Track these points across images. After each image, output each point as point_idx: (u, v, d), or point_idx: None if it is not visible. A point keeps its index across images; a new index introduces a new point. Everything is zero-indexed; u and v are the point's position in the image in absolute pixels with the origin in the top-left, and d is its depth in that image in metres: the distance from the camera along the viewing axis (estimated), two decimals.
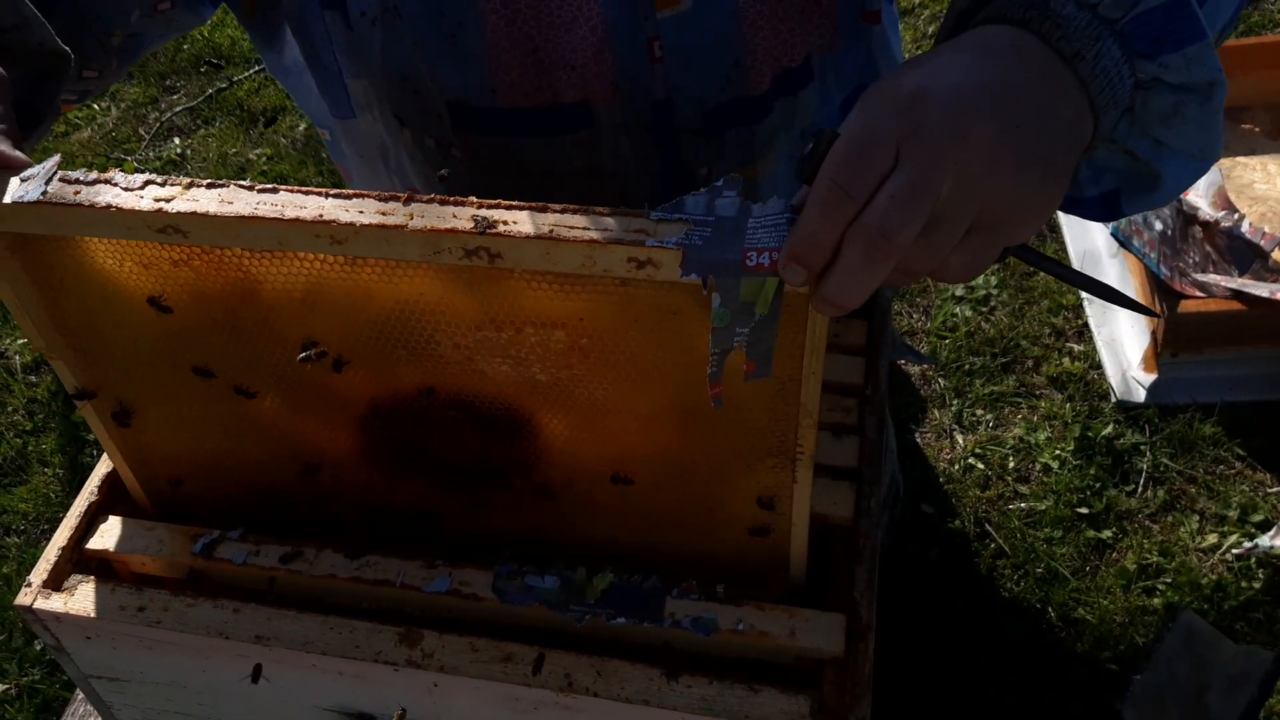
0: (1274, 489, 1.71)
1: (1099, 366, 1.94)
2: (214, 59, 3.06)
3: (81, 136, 2.81)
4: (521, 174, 1.02)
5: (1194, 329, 1.83)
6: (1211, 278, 1.88)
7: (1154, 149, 0.64)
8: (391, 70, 0.98)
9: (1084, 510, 1.71)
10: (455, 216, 0.66)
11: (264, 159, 2.79)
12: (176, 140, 2.87)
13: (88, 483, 0.91)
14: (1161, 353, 1.86)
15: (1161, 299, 1.84)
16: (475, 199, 0.67)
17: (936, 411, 1.91)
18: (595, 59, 0.93)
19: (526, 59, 0.93)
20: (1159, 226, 1.95)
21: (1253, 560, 1.60)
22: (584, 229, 0.66)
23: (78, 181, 0.69)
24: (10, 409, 2.17)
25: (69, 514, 0.89)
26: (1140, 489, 1.73)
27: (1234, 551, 1.62)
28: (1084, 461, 1.77)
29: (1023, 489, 1.77)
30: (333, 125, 1.09)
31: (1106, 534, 1.67)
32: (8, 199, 0.69)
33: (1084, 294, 2.09)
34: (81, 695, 1.15)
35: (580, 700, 0.78)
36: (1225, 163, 2.29)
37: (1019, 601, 1.61)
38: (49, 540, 1.93)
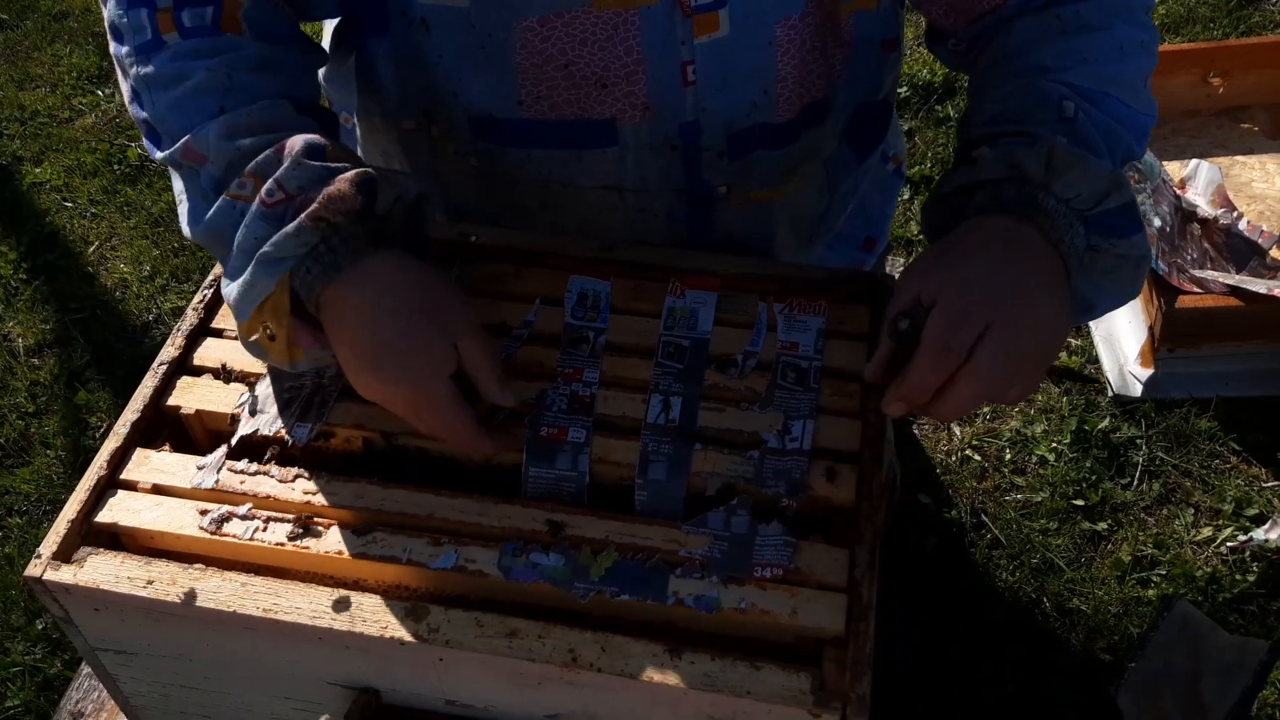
0: (1269, 483, 1.72)
1: (1096, 361, 1.95)
2: None
3: (85, 123, 2.81)
4: (540, 185, 1.03)
5: (1191, 324, 1.85)
6: (1209, 274, 1.90)
7: (1094, 290, 0.87)
8: (416, 84, 0.98)
9: (1079, 502, 1.72)
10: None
11: None
12: None
13: (97, 457, 0.92)
14: (1158, 348, 1.87)
15: (1159, 294, 1.86)
16: None
17: None
18: (628, 79, 0.94)
19: (557, 74, 0.94)
20: (1158, 223, 1.97)
21: (1247, 553, 1.62)
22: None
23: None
24: (13, 390, 2.17)
25: (78, 488, 0.90)
26: (1136, 482, 1.75)
27: (1228, 544, 1.64)
28: (1080, 454, 1.79)
29: (1019, 480, 1.79)
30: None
31: (1102, 526, 1.69)
32: (192, 483, 0.88)
33: None
34: (86, 671, 1.16)
35: (584, 675, 0.79)
36: (1224, 161, 2.30)
37: (1015, 591, 1.62)
38: (51, 522, 1.94)
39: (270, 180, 0.82)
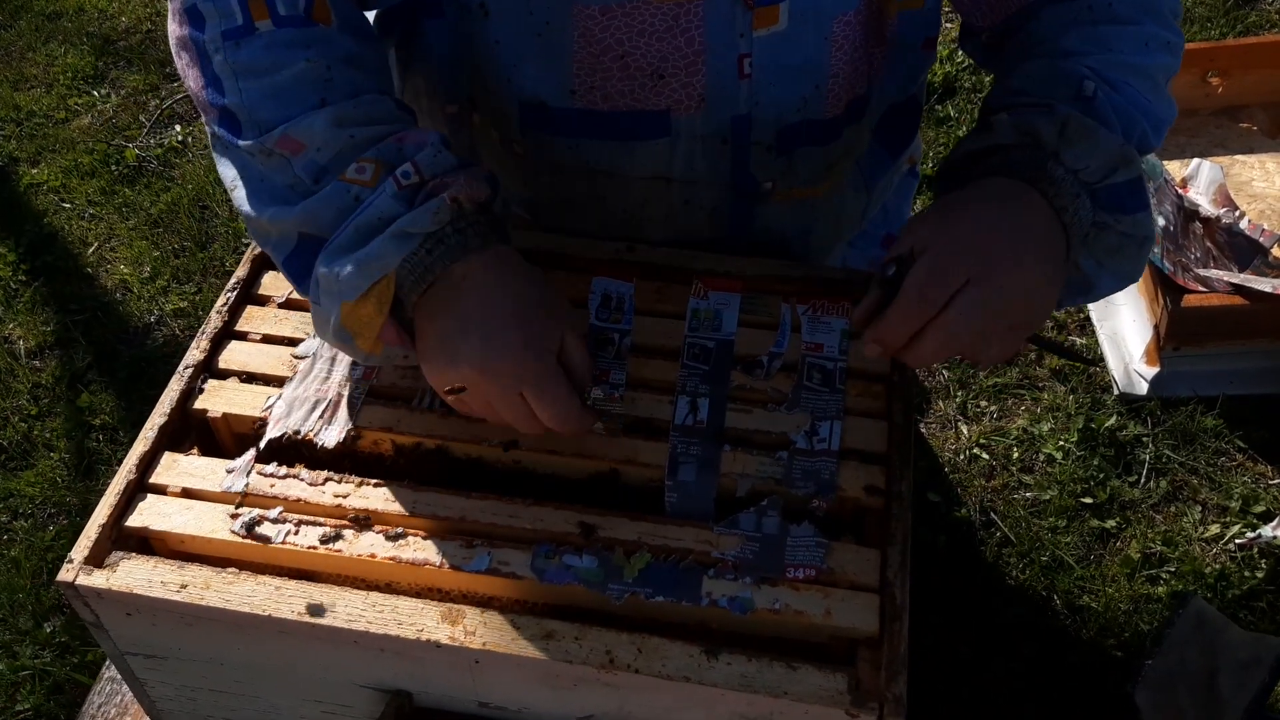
0: (1275, 480, 1.74)
1: (1101, 359, 1.96)
2: None
3: (82, 123, 2.80)
4: (587, 174, 1.03)
5: (1196, 323, 1.86)
6: (1213, 273, 1.91)
7: (1096, 269, 0.89)
8: (469, 61, 0.98)
9: (1088, 500, 1.73)
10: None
11: None
12: (178, 128, 2.86)
13: (125, 461, 0.92)
14: (1164, 346, 1.88)
15: (1165, 293, 1.87)
16: None
17: (941, 402, 1.93)
18: (687, 69, 0.94)
19: (613, 64, 0.94)
20: (1162, 223, 1.98)
21: (1255, 550, 1.63)
22: None
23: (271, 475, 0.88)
24: (15, 393, 2.16)
25: (108, 491, 0.90)
26: (1143, 480, 1.76)
27: (1236, 542, 1.65)
28: (1087, 452, 1.80)
29: (1027, 479, 1.79)
30: None
31: (1110, 523, 1.70)
32: (222, 487, 0.89)
33: None
34: (108, 676, 1.16)
35: (620, 676, 0.80)
36: (1224, 160, 2.31)
37: (1025, 588, 1.63)
38: (57, 524, 1.94)
39: (407, 163, 0.84)
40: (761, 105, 0.98)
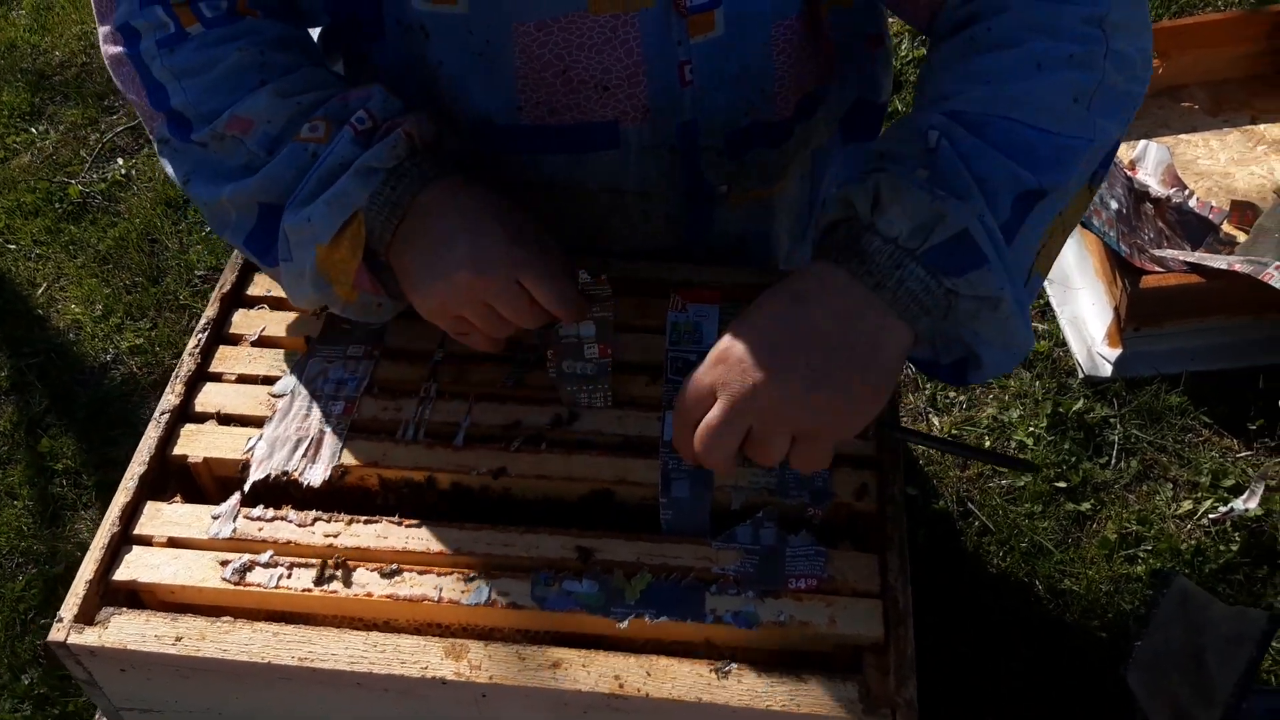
0: (1242, 454, 1.77)
1: (1064, 344, 1.99)
2: None
3: (22, 162, 2.74)
4: (544, 188, 1.03)
5: (1155, 303, 1.89)
6: (1168, 253, 1.94)
7: (971, 338, 0.79)
8: (417, 83, 0.97)
9: (1061, 484, 1.75)
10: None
11: None
12: (120, 161, 2.81)
13: (108, 513, 0.90)
14: (1124, 328, 1.91)
15: (1123, 275, 1.90)
16: None
17: (910, 396, 1.95)
18: (629, 80, 0.94)
19: (556, 79, 0.94)
20: (1114, 205, 2.01)
21: (1228, 524, 1.66)
22: None
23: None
24: None
25: (92, 546, 0.88)
26: (1114, 460, 1.78)
27: (1210, 516, 1.68)
28: (1057, 437, 1.82)
29: (1000, 467, 1.81)
30: None
31: (1085, 506, 1.72)
32: (209, 534, 0.88)
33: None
34: None
35: (631, 701, 0.79)
36: (1168, 140, 2.36)
37: (1006, 576, 1.65)
38: (24, 574, 1.89)
39: (360, 110, 0.88)
40: (707, 111, 0.98)
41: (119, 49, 0.93)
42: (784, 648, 0.84)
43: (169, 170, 0.95)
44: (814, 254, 0.81)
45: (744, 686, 0.79)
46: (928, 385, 1.95)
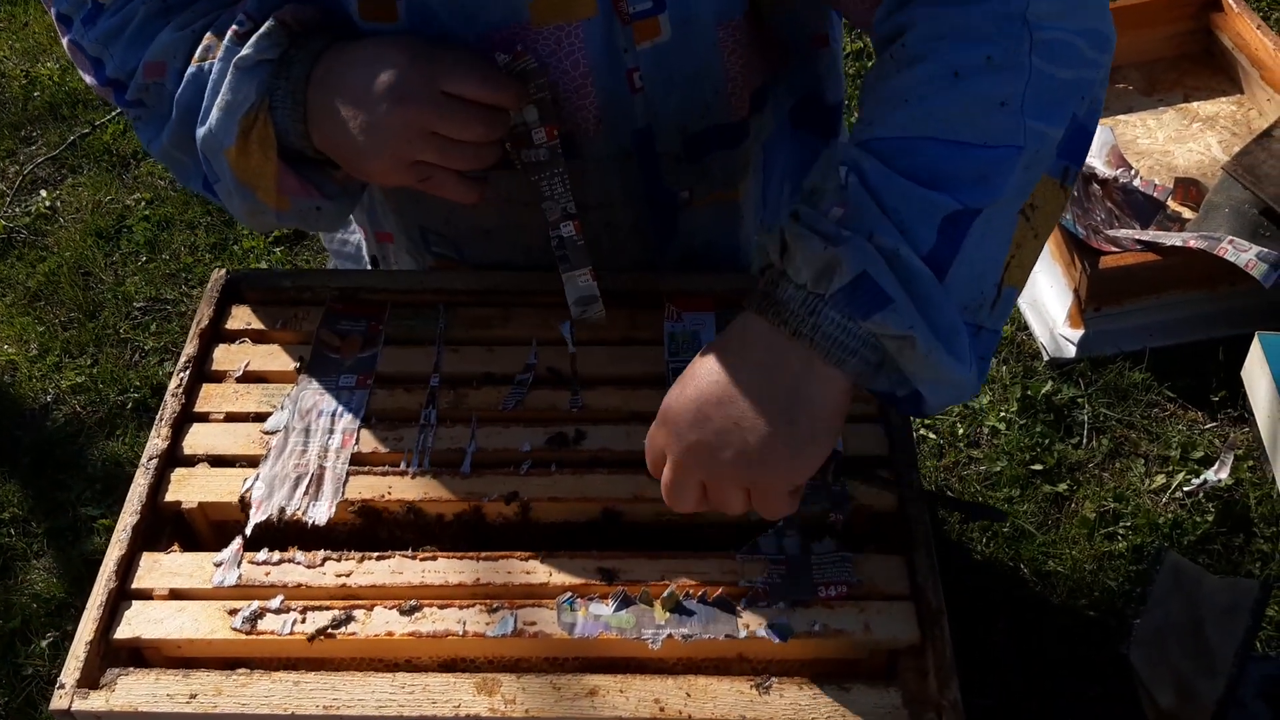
0: (1208, 425, 1.81)
1: (1026, 328, 2.01)
2: (69, 103, 2.90)
3: None
4: (502, 204, 1.00)
5: (1114, 283, 1.92)
6: (1122, 232, 1.98)
7: (910, 375, 0.74)
8: None
9: (1037, 467, 1.77)
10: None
11: (143, 204, 2.66)
12: (43, 193, 2.72)
13: (102, 568, 0.85)
14: (1085, 308, 1.94)
15: (1081, 257, 1.92)
16: None
17: None
18: (578, 92, 0.92)
19: None
20: None
21: (1201, 495, 1.69)
22: None
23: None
24: None
25: (89, 605, 0.83)
26: (1085, 440, 1.81)
27: (1184, 489, 1.71)
28: (1029, 420, 1.84)
29: (975, 453, 1.83)
30: None
31: (1062, 487, 1.74)
32: (213, 583, 0.84)
33: None
34: None
35: None
36: (1108, 122, 2.40)
37: (992, 562, 1.66)
38: None
39: (239, 14, 0.88)
40: (660, 116, 0.97)
41: (64, 37, 0.96)
42: (819, 657, 0.83)
43: (147, 148, 0.97)
44: (745, 303, 0.78)
45: (786, 701, 0.77)
46: None
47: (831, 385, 0.74)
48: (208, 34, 0.90)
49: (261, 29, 0.86)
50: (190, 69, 0.89)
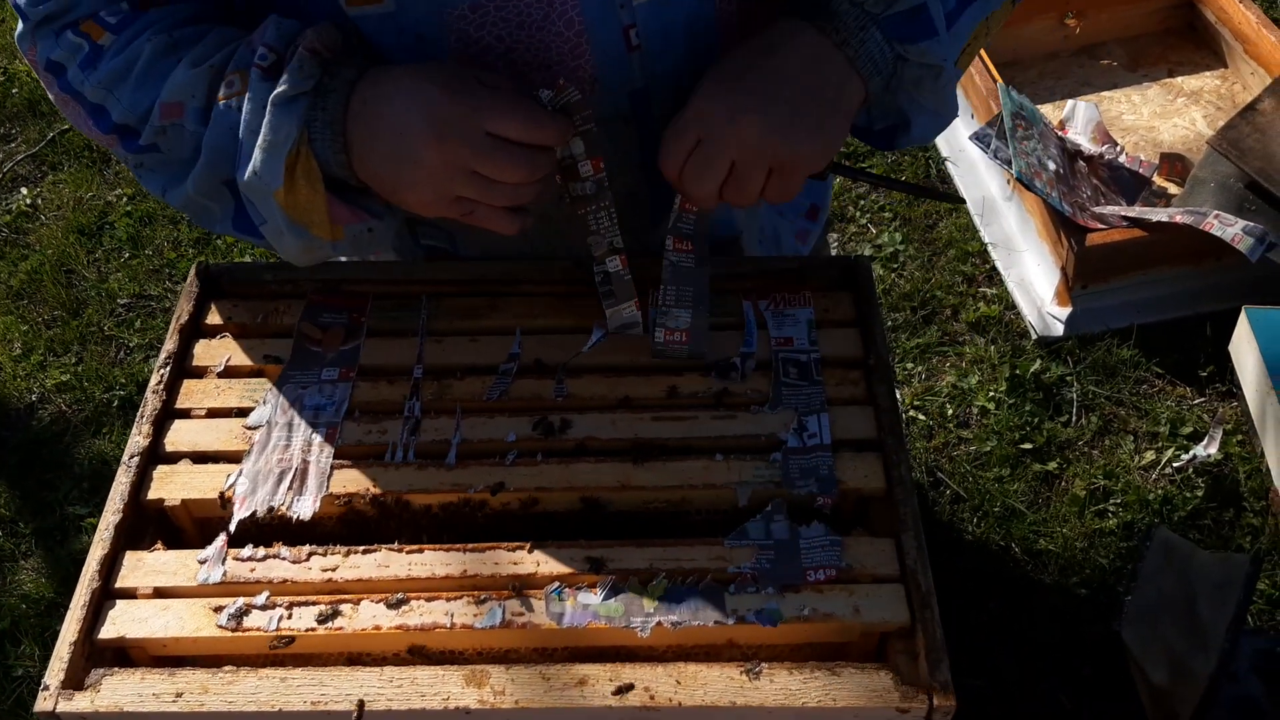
0: (1196, 401, 1.80)
1: (1014, 307, 2.01)
2: (48, 100, 2.87)
3: None
4: None
5: (1101, 260, 1.92)
6: (1108, 209, 1.97)
7: (909, 104, 0.89)
8: None
9: (1027, 446, 1.77)
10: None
11: (124, 200, 2.64)
12: (24, 190, 2.70)
13: (85, 568, 0.84)
14: (1072, 286, 1.94)
15: (1067, 235, 1.92)
16: None
17: None
18: (573, 54, 0.91)
19: (497, 63, 0.90)
20: (1052, 167, 2.03)
21: (1191, 470, 1.69)
22: None
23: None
24: None
25: (72, 605, 0.82)
26: (1074, 418, 1.81)
27: (1174, 465, 1.71)
28: (1018, 399, 1.84)
29: (965, 434, 1.82)
30: None
31: (1052, 465, 1.74)
32: (198, 580, 0.83)
33: (988, 240, 2.16)
34: None
35: (663, 712, 0.77)
36: (1092, 98, 2.39)
37: (983, 542, 1.66)
38: None
39: (260, 48, 0.85)
40: (658, 76, 0.95)
41: (55, 89, 0.91)
42: (809, 641, 0.83)
43: (153, 190, 0.92)
44: (781, 15, 0.88)
45: (777, 686, 0.77)
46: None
47: (856, 95, 0.86)
48: (230, 69, 0.86)
49: (292, 61, 0.83)
50: (218, 106, 0.86)
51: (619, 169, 1.01)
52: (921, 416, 1.86)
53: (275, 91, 0.83)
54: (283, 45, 0.85)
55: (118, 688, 0.78)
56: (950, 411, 1.86)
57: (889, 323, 2.01)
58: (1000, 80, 2.12)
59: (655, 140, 0.99)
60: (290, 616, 0.82)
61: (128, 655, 0.83)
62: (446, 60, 0.87)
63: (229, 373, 0.98)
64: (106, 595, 0.84)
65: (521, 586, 0.83)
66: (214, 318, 1.02)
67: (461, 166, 0.83)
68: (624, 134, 0.98)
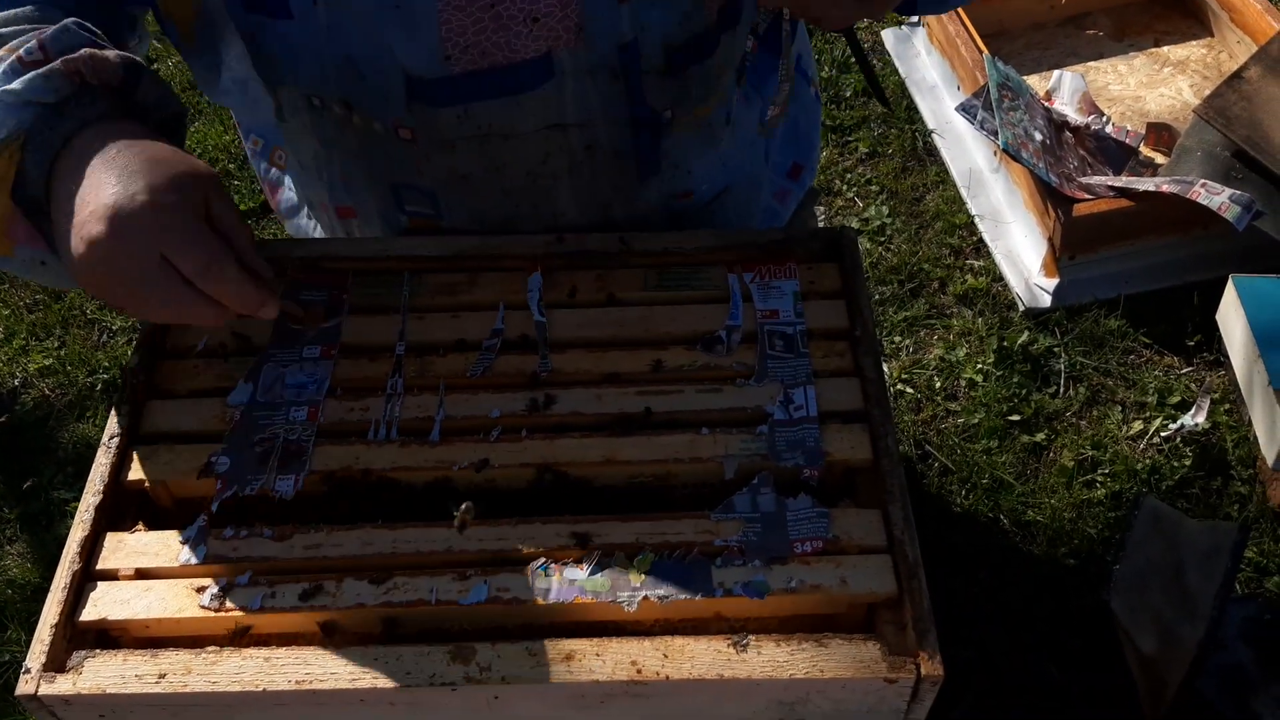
0: (1184, 370, 1.80)
1: (1001, 279, 2.00)
2: None
3: None
4: (479, 141, 0.98)
5: (1088, 230, 1.91)
6: (1095, 180, 1.97)
7: None
8: (336, 52, 0.92)
9: (1015, 417, 1.77)
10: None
11: None
12: None
13: (65, 549, 0.83)
14: (1060, 257, 1.93)
15: (1054, 206, 1.91)
16: None
17: None
18: (560, 4, 0.89)
19: (483, 15, 0.89)
20: (1039, 138, 2.03)
21: (1178, 440, 1.69)
22: None
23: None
24: None
25: (53, 587, 0.81)
26: (1062, 389, 1.81)
27: (1161, 435, 1.71)
28: (1005, 371, 1.83)
29: (953, 406, 1.82)
30: (273, 132, 1.03)
31: (1040, 436, 1.74)
32: (180, 561, 0.81)
33: (975, 212, 2.16)
34: None
35: (650, 686, 0.76)
36: (1079, 68, 2.38)
37: (972, 514, 1.66)
38: None
39: (32, 41, 0.79)
40: (647, 29, 0.94)
41: None
42: (797, 614, 0.82)
43: None
44: None
45: (764, 658, 0.77)
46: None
47: None
48: (7, 46, 0.80)
49: (41, 70, 0.78)
50: None
51: (605, 121, 0.99)
52: (909, 389, 1.86)
53: (11, 87, 0.77)
54: (57, 51, 0.80)
55: (100, 670, 0.77)
56: (938, 384, 1.86)
57: (876, 296, 2.01)
58: (986, 51, 2.11)
59: (642, 95, 0.98)
60: (274, 595, 0.81)
61: (110, 637, 0.82)
62: (182, 153, 0.80)
63: (208, 352, 0.96)
64: (88, 577, 0.83)
65: (506, 563, 0.82)
66: None
67: (117, 256, 0.75)
68: (611, 88, 0.96)
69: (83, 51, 0.80)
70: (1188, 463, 1.66)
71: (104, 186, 0.75)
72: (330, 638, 0.81)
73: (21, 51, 0.79)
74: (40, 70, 0.78)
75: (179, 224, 0.75)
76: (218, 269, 0.76)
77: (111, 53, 0.81)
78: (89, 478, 0.88)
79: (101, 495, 0.86)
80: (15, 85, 0.77)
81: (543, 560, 0.82)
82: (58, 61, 0.79)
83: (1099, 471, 1.68)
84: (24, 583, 1.83)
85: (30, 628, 1.77)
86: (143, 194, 0.74)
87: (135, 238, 0.74)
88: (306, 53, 0.94)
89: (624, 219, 1.08)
